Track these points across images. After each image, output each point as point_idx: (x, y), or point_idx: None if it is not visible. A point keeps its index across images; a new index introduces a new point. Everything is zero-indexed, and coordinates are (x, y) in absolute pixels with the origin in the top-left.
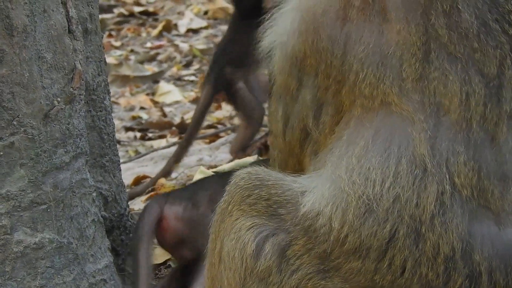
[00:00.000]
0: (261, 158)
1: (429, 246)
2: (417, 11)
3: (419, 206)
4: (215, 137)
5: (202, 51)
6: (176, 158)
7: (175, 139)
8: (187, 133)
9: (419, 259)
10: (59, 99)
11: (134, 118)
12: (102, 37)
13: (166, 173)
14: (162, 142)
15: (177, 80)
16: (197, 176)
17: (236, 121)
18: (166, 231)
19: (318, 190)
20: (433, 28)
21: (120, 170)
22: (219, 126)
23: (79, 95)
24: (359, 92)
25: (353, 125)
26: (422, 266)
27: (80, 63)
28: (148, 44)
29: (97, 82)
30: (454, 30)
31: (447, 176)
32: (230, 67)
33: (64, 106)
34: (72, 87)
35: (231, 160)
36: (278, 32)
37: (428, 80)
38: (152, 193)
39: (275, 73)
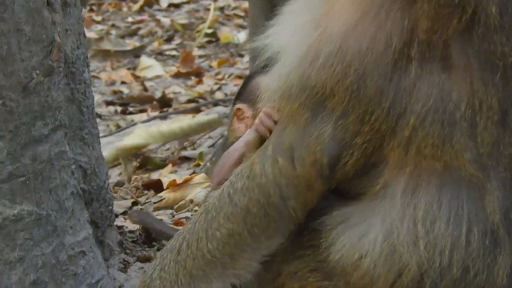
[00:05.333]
0: None
1: None
2: (495, 73)
3: (489, 280)
4: (196, 111)
5: (183, 25)
6: None
7: (156, 113)
8: None
9: None
10: (37, 72)
11: (115, 92)
12: (81, 10)
13: None
14: (143, 116)
15: (159, 55)
16: (137, 132)
17: (218, 95)
18: None
19: (359, 236)
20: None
21: (100, 143)
22: (200, 100)
23: (58, 67)
24: (415, 150)
25: (405, 182)
26: None
27: (59, 35)
28: (129, 19)
29: (76, 55)
30: None
31: None
32: None
33: (43, 78)
34: (50, 60)
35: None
36: (290, 51)
37: (503, 146)
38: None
39: (275, 91)
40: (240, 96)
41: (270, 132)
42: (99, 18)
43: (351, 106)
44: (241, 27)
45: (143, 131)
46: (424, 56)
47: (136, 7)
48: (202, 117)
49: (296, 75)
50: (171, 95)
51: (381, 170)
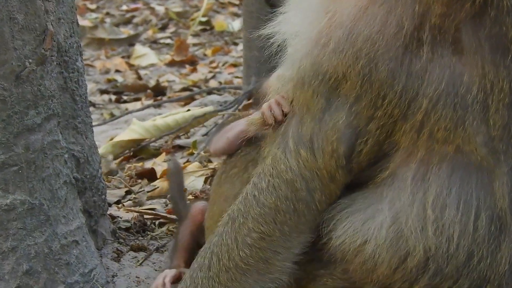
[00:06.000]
0: None
1: None
2: (506, 56)
3: (491, 266)
4: (190, 99)
5: (178, 14)
6: None
7: (150, 102)
8: None
9: None
10: (30, 61)
11: (109, 81)
12: None
13: None
14: (137, 105)
15: (153, 43)
16: (132, 127)
17: (212, 83)
18: None
19: (363, 221)
20: None
21: (93, 131)
22: (195, 88)
23: (51, 56)
24: (428, 134)
25: (415, 167)
26: None
27: (52, 24)
28: (124, 7)
29: (69, 43)
30: None
31: None
32: None
33: (36, 67)
34: (43, 48)
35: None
36: (305, 36)
37: None
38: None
39: (288, 80)
40: (254, 100)
41: (275, 119)
42: (93, 6)
43: (364, 90)
44: (236, 15)
45: (138, 126)
46: (435, 40)
47: None
48: (197, 110)
49: (308, 62)
50: (165, 84)
51: (392, 156)
